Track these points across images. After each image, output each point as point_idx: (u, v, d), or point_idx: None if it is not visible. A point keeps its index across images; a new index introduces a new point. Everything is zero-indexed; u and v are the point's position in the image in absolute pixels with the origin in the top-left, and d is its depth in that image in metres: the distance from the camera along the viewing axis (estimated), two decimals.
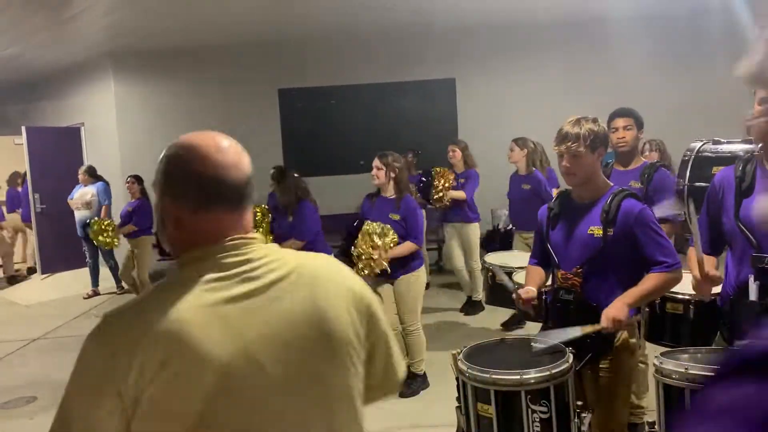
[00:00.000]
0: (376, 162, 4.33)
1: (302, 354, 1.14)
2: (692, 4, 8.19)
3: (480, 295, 6.11)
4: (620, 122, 3.43)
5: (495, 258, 4.26)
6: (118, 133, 9.36)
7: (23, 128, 9.28)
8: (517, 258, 4.50)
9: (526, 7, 8.10)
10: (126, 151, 9.25)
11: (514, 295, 2.57)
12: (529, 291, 2.56)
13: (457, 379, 2.33)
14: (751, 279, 2.01)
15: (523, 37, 8.99)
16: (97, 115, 9.77)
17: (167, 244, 1.21)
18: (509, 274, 3.76)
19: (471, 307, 6.26)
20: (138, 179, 7.33)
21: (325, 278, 1.21)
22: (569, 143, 2.38)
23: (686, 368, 1.81)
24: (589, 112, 2.50)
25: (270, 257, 1.18)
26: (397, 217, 4.33)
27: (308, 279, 1.19)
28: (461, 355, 2.34)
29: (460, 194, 6.05)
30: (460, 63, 9.19)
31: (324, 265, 1.26)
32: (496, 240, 6.27)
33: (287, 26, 8.35)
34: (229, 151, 1.17)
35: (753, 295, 2.00)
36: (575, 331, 2.33)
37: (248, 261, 1.15)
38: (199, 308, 1.08)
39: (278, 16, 7.80)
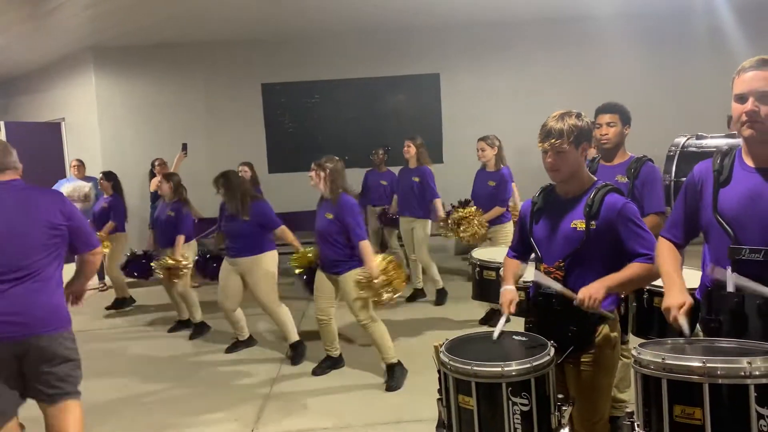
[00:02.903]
0: (312, 166, 4.44)
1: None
2: (676, 3, 8.26)
3: (420, 283, 6.83)
4: (604, 118, 3.39)
5: (482, 253, 4.25)
6: (99, 128, 9.25)
7: (2, 123, 9.17)
8: (504, 253, 4.47)
9: (511, 4, 8.12)
10: (107, 147, 9.15)
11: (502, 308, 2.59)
12: (508, 295, 2.59)
13: (438, 371, 2.34)
14: (728, 270, 2.04)
15: (508, 33, 9.03)
16: (78, 109, 9.65)
17: None
18: (496, 269, 3.77)
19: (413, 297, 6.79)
20: (107, 176, 7.12)
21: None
22: (553, 140, 2.38)
23: (663, 358, 1.81)
24: (573, 107, 2.49)
25: None
26: (330, 216, 4.34)
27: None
28: (443, 347, 2.35)
29: (438, 205, 6.23)
30: (445, 58, 9.20)
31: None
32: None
33: (271, 21, 8.30)
34: None
35: (730, 286, 2.02)
36: (556, 285, 2.40)
37: None
38: None
39: (262, 11, 7.75)
